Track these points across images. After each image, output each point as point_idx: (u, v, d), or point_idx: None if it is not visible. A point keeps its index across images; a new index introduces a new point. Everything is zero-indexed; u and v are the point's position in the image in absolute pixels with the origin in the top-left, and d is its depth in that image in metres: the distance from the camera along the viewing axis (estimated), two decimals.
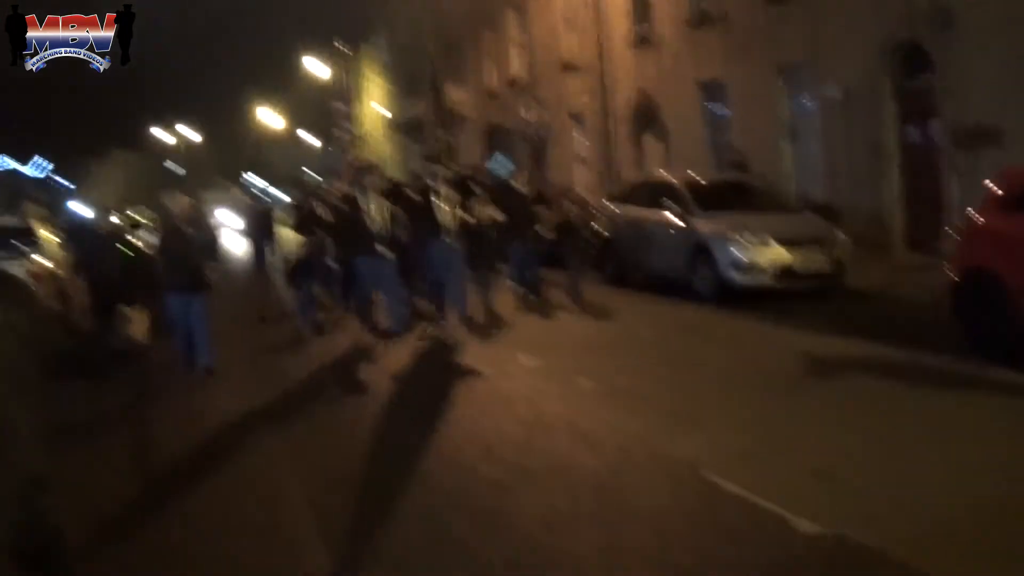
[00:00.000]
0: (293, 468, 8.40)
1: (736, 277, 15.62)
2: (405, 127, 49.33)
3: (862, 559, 5.65)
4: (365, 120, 58.59)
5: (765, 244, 15.53)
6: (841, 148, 20.66)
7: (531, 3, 34.01)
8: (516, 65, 36.14)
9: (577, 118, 32.86)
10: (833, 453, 7.51)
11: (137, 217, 26.78)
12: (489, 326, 15.16)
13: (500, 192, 17.24)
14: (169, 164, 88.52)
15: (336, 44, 18.08)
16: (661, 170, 23.13)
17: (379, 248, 13.99)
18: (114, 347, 4.22)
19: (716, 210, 16.74)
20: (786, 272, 15.51)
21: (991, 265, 10.63)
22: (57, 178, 66.38)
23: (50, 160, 56.53)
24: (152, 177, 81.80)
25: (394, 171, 44.02)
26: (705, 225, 16.43)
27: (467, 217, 15.31)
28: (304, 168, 57.93)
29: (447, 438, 8.95)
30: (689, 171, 19.34)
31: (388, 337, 14.31)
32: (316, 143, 66.12)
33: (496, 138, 38.29)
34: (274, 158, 76.53)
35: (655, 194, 18.18)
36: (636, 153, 29.24)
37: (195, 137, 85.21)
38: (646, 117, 28.60)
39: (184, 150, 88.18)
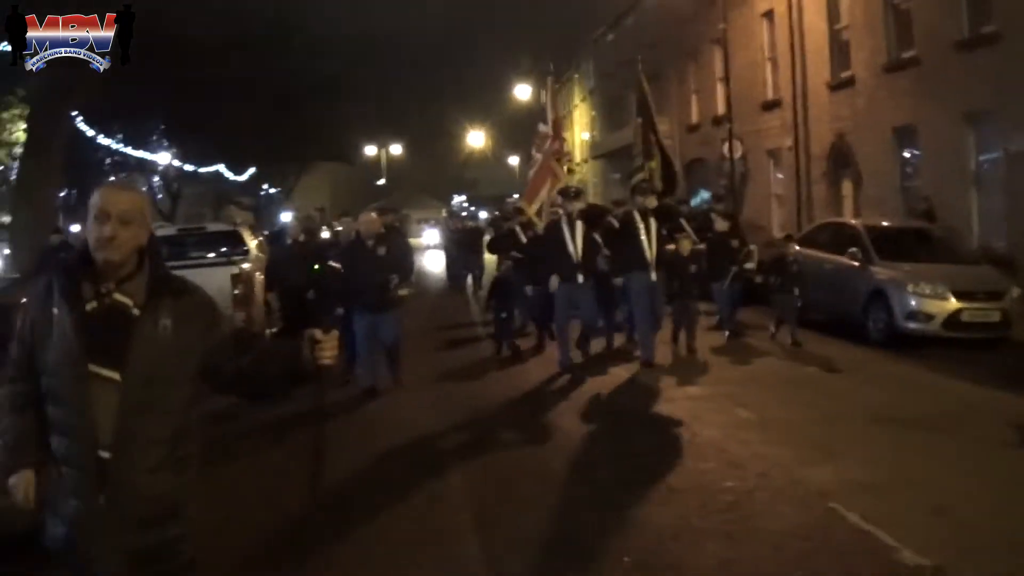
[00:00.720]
0: (464, 504, 8.49)
1: (908, 324, 16.03)
2: (608, 154, 50.33)
3: None
4: (575, 148, 59.88)
5: (940, 295, 15.87)
6: (1012, 196, 20.64)
7: (734, 39, 34.50)
8: (717, 99, 36.72)
9: (774, 156, 33.33)
10: (956, 493, 8.10)
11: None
12: (683, 362, 15.32)
13: (703, 226, 17.45)
14: (380, 181, 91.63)
15: (546, 71, 18.46)
16: (845, 215, 23.48)
17: (578, 275, 14.24)
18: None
19: (895, 258, 17.18)
20: (956, 322, 15.81)
21: None
22: (265, 186, 69.05)
23: (257, 167, 58.86)
24: (358, 190, 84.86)
25: (595, 197, 45.23)
26: (884, 272, 16.85)
27: (671, 249, 15.36)
28: (512, 193, 59.63)
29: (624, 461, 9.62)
30: (871, 216, 19.68)
31: (578, 365, 14.52)
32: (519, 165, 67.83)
33: (695, 172, 38.95)
34: (481, 178, 78.38)
35: (836, 237, 18.72)
36: (830, 194, 29.48)
37: (401, 153, 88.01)
38: (841, 158, 28.86)
39: (391, 167, 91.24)
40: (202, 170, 52.22)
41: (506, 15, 57.98)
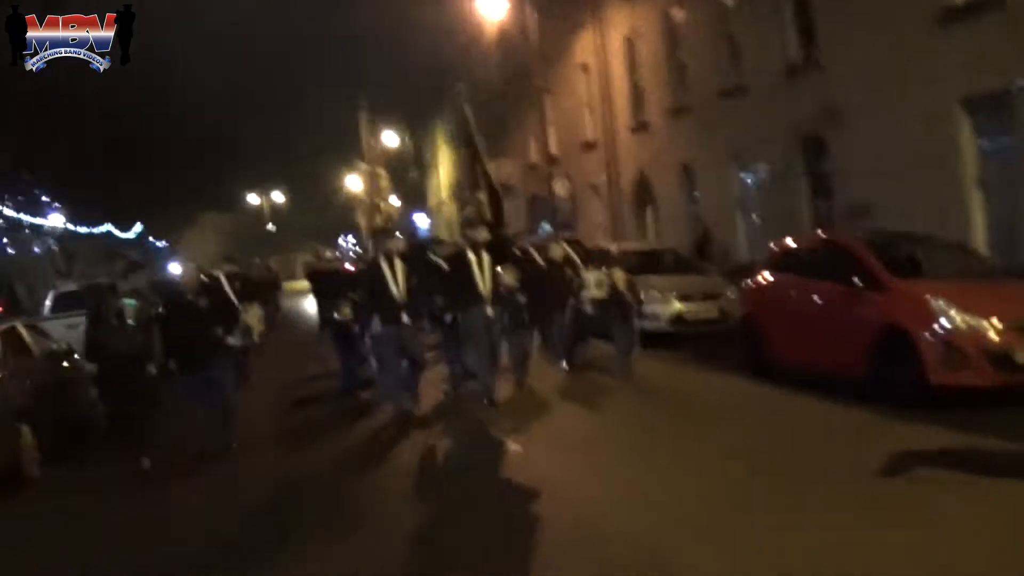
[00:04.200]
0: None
1: (644, 324, 17.87)
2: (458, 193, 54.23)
3: None
4: (442, 188, 63.74)
5: (666, 299, 19.52)
6: (770, 219, 25.00)
7: (560, 88, 38.91)
8: (549, 141, 40.94)
9: (595, 190, 37.47)
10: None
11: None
12: (518, 400, 14.76)
13: (526, 259, 16.95)
14: (269, 225, 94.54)
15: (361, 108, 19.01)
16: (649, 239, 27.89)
17: (403, 316, 13.36)
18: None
19: (638, 272, 18.33)
20: (680, 319, 19.67)
21: (755, 311, 15.15)
22: (151, 239, 71.94)
23: (142, 222, 61.66)
24: (246, 239, 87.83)
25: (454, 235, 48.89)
26: None
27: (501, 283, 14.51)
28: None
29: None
30: (629, 243, 23.71)
31: (408, 412, 13.63)
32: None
33: (538, 206, 43.00)
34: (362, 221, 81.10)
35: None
36: (638, 222, 33.97)
37: (284, 201, 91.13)
38: (643, 192, 33.46)
39: (277, 214, 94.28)
40: (93, 231, 54.86)
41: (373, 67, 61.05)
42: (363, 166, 19.02)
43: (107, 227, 56.92)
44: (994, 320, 11.28)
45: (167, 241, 74.93)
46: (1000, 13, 17.47)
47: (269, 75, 79.77)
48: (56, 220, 50.36)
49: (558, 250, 17.34)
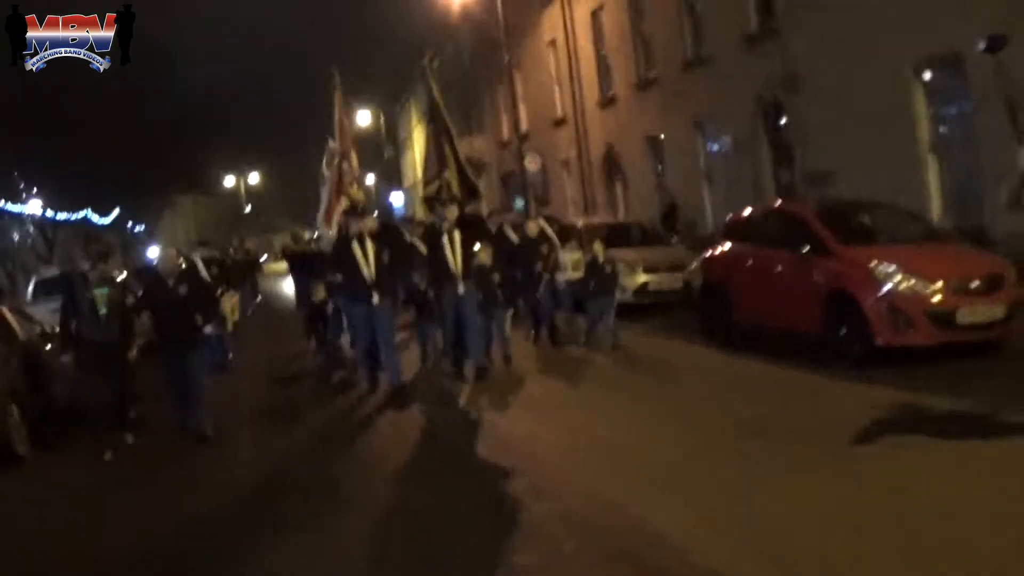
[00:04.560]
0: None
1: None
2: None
3: None
4: (417, 167, 63.86)
5: (632, 270, 19.75)
6: (734, 188, 25.40)
7: (528, 65, 39.24)
8: (521, 118, 41.20)
9: (566, 166, 37.93)
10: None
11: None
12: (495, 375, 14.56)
13: (500, 236, 16.91)
14: (247, 209, 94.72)
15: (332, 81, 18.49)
16: (619, 213, 28.22)
17: (373, 294, 13.37)
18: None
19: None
20: (644, 290, 19.97)
21: (714, 280, 15.53)
22: (130, 223, 72.03)
23: (120, 207, 61.70)
24: (222, 220, 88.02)
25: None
26: None
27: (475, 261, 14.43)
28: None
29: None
30: (604, 216, 23.97)
31: (385, 388, 13.78)
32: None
33: (512, 183, 43.33)
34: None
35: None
36: (608, 196, 34.40)
37: (258, 182, 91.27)
38: (612, 165, 33.94)
39: (254, 195, 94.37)
40: (71, 217, 54.97)
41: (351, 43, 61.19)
42: (332, 145, 18.06)
43: (85, 212, 56.86)
44: (937, 283, 11.68)
45: (145, 225, 74.91)
46: None
47: (247, 57, 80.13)
48: (34, 207, 50.26)
49: (533, 227, 17.43)
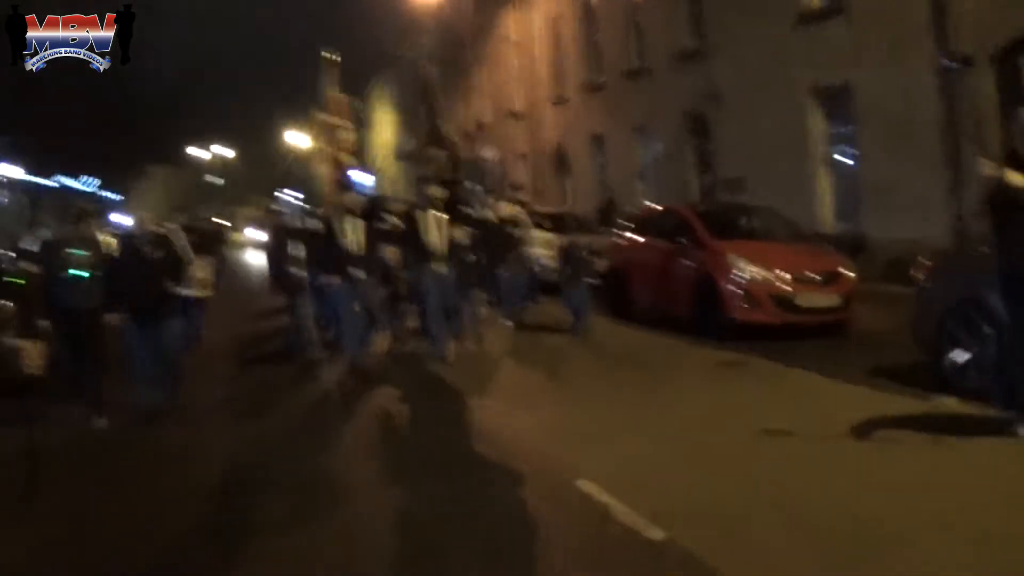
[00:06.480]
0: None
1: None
2: (405, 155, 56.63)
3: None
4: (380, 150, 66.32)
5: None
6: (664, 188, 28.15)
7: (491, 60, 41.94)
8: (484, 110, 44.01)
9: (522, 158, 40.63)
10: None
11: None
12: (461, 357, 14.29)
13: (474, 217, 16.69)
14: (209, 178, 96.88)
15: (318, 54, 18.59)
16: (567, 204, 31.04)
17: (351, 270, 13.26)
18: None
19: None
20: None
21: (618, 265, 18.20)
22: (105, 192, 74.09)
23: (97, 177, 63.56)
24: (191, 191, 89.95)
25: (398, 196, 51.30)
26: None
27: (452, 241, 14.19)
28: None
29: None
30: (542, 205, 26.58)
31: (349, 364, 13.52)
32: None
33: (470, 173, 45.77)
34: (309, 176, 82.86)
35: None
36: (558, 188, 37.10)
37: (233, 156, 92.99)
38: (561, 160, 36.81)
39: (220, 167, 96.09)
40: (48, 182, 56.87)
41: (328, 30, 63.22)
42: (322, 117, 17.96)
43: (61, 178, 59.04)
44: (781, 272, 14.35)
45: (120, 193, 77.12)
46: (844, 16, 20.79)
47: (221, 33, 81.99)
48: (14, 171, 51.93)
49: (506, 209, 18.02)
